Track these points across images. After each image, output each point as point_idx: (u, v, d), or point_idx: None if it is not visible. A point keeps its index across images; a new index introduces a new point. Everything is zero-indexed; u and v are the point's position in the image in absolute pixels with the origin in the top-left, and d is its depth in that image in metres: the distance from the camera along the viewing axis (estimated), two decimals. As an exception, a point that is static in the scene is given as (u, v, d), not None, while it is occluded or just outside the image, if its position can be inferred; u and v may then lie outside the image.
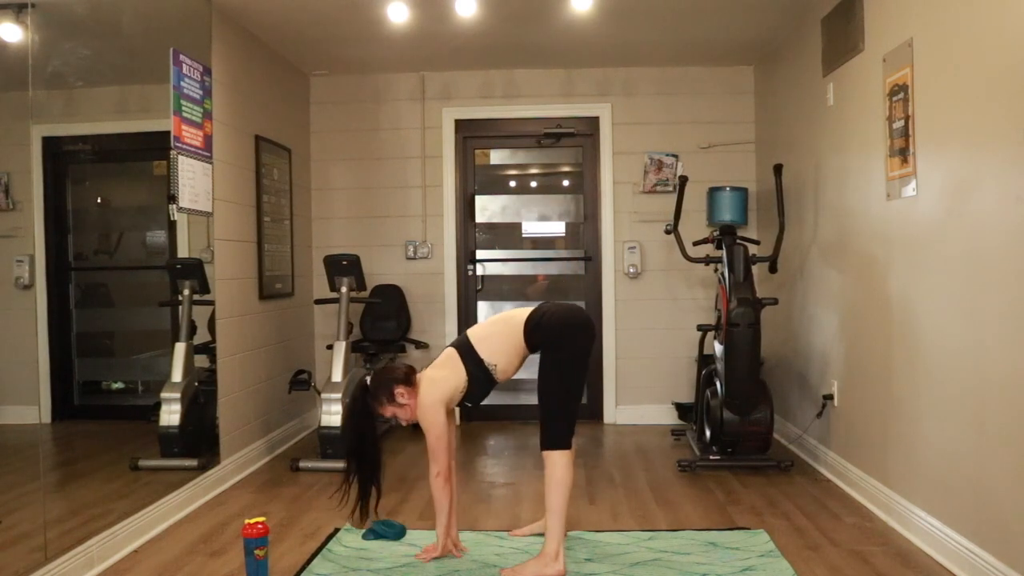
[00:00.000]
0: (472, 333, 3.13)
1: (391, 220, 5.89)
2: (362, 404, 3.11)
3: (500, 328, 3.13)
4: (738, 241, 4.42)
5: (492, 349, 3.06)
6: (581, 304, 5.89)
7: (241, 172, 4.64)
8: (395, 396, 3.05)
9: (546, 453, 2.97)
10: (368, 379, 3.14)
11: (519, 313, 3.13)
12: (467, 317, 5.91)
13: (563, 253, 6.07)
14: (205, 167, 4.07)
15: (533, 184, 6.25)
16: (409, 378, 3.07)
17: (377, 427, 3.11)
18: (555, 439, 2.96)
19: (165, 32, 3.91)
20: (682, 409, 5.54)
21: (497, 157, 6.19)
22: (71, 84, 3.31)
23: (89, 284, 3.86)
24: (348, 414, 3.05)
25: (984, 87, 2.74)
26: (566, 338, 3.01)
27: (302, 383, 4.63)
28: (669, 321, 5.77)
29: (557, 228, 6.12)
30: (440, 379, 3.05)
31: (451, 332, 5.79)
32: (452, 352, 3.10)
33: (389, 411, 3.08)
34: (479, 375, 3.05)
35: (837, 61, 4.08)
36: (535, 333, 3.04)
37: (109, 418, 3.94)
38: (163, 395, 3.90)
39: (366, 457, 3.10)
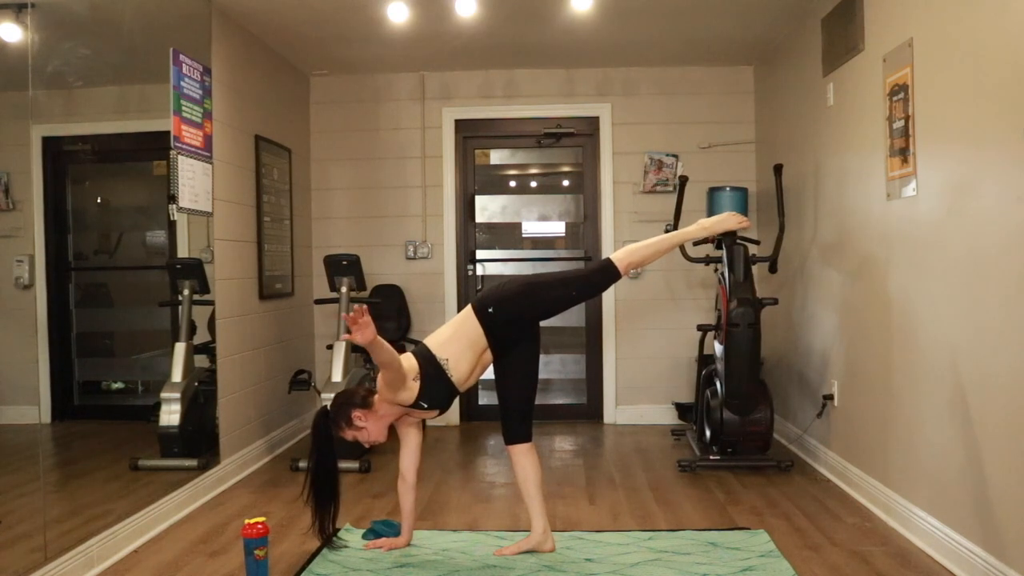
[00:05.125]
0: (428, 339, 3.13)
1: (391, 220, 5.89)
2: (323, 428, 3.05)
3: (449, 324, 3.14)
4: (738, 241, 4.42)
5: (441, 343, 3.04)
6: (582, 304, 5.89)
7: (241, 172, 4.64)
8: (352, 420, 3.03)
9: (533, 444, 3.15)
10: (328, 404, 3.12)
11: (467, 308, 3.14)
12: (467, 317, 5.90)
13: (563, 253, 6.07)
14: (205, 167, 4.07)
15: (533, 184, 6.25)
16: (367, 401, 3.05)
17: (336, 451, 3.07)
18: (530, 429, 3.17)
19: (165, 32, 3.91)
20: (682, 409, 5.54)
21: (497, 157, 6.19)
22: (71, 84, 3.31)
23: (89, 284, 3.86)
24: (312, 438, 3.06)
25: (984, 87, 2.73)
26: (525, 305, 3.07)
27: (302, 383, 4.63)
28: (669, 321, 5.77)
29: (557, 228, 6.12)
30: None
31: (451, 332, 5.79)
32: (408, 354, 3.10)
33: (350, 435, 3.06)
34: (431, 371, 3.00)
35: (837, 61, 4.08)
36: (495, 305, 3.05)
37: (109, 418, 3.94)
38: (163, 395, 3.90)
39: (324, 479, 3.04)
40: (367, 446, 3.14)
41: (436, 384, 3.01)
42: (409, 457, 3.20)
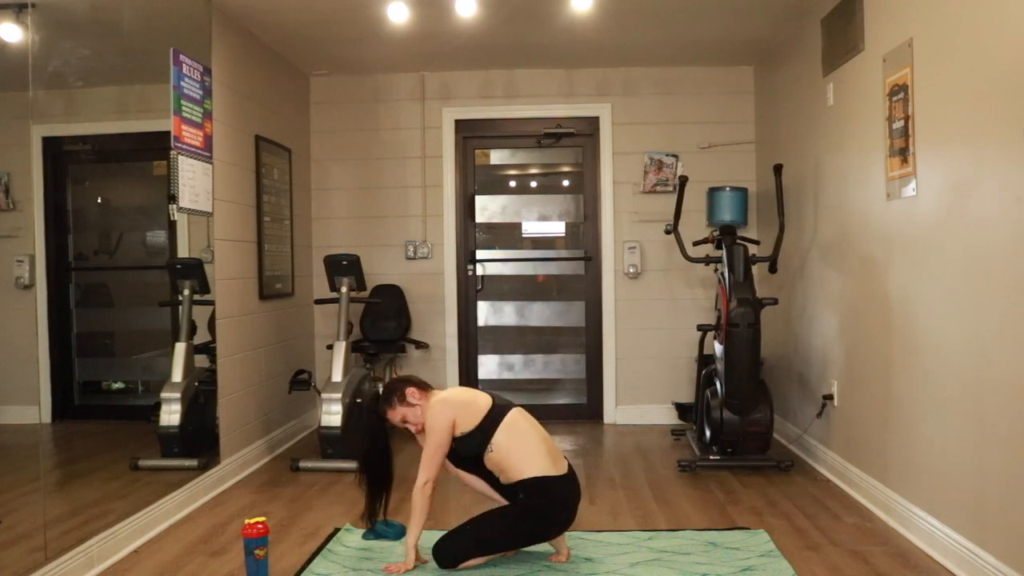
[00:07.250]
0: (513, 410, 3.05)
1: (391, 220, 5.89)
2: (376, 409, 3.14)
3: (533, 437, 3.02)
4: (738, 241, 4.42)
5: (508, 437, 2.97)
6: (582, 304, 5.90)
7: (241, 172, 4.64)
8: (406, 395, 3.06)
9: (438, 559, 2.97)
10: (381, 387, 3.17)
11: (553, 448, 3.04)
12: (467, 317, 5.91)
13: (563, 253, 6.07)
14: (205, 167, 4.07)
15: (533, 184, 6.25)
16: (424, 384, 3.13)
17: (389, 433, 3.14)
18: (455, 554, 2.98)
19: (165, 32, 3.91)
20: (682, 409, 5.54)
21: (497, 157, 6.19)
22: (71, 84, 3.31)
23: (89, 284, 3.86)
24: (364, 420, 3.10)
25: (984, 87, 2.74)
26: (557, 513, 2.99)
27: (302, 383, 4.63)
28: (669, 321, 5.77)
29: (557, 228, 6.12)
30: (457, 391, 3.08)
31: (451, 332, 5.80)
32: (486, 395, 3.09)
33: (399, 413, 3.07)
34: (476, 434, 2.98)
35: (837, 61, 4.08)
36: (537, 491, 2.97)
37: (109, 418, 3.94)
38: (163, 395, 3.90)
39: (378, 462, 3.11)
40: (413, 430, 3.10)
41: (468, 445, 3.01)
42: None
